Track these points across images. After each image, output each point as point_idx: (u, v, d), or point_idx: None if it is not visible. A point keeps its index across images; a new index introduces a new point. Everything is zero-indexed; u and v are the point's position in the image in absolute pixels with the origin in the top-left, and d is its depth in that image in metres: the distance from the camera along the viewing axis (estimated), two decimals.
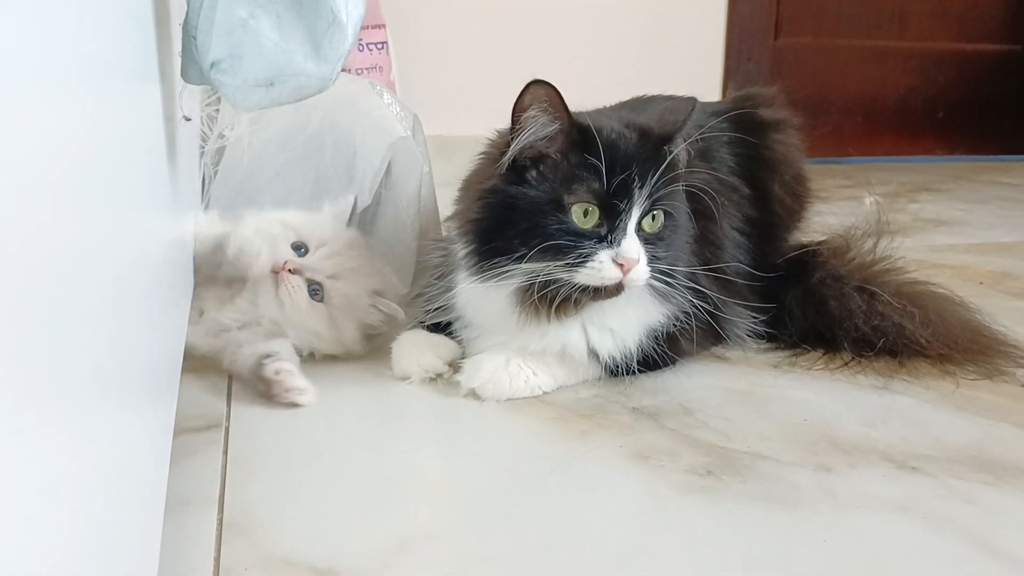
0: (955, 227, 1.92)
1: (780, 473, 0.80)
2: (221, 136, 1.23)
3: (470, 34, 2.34)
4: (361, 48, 1.77)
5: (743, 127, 1.19)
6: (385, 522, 0.71)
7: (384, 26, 1.80)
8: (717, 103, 1.23)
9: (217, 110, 1.26)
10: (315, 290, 1.00)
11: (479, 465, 0.82)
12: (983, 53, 2.94)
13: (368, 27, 1.77)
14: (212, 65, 0.74)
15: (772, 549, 0.69)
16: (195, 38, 0.76)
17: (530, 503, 0.75)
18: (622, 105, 1.21)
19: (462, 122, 1.58)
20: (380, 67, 1.79)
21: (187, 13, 0.77)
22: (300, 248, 1.03)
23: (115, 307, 0.50)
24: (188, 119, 0.89)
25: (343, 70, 1.45)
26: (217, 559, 0.66)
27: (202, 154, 1.22)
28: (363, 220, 1.19)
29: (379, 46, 1.79)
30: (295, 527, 0.70)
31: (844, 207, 2.02)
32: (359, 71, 1.74)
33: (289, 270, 0.99)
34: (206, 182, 1.22)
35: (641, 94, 1.27)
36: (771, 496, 0.76)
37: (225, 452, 0.83)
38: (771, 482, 0.78)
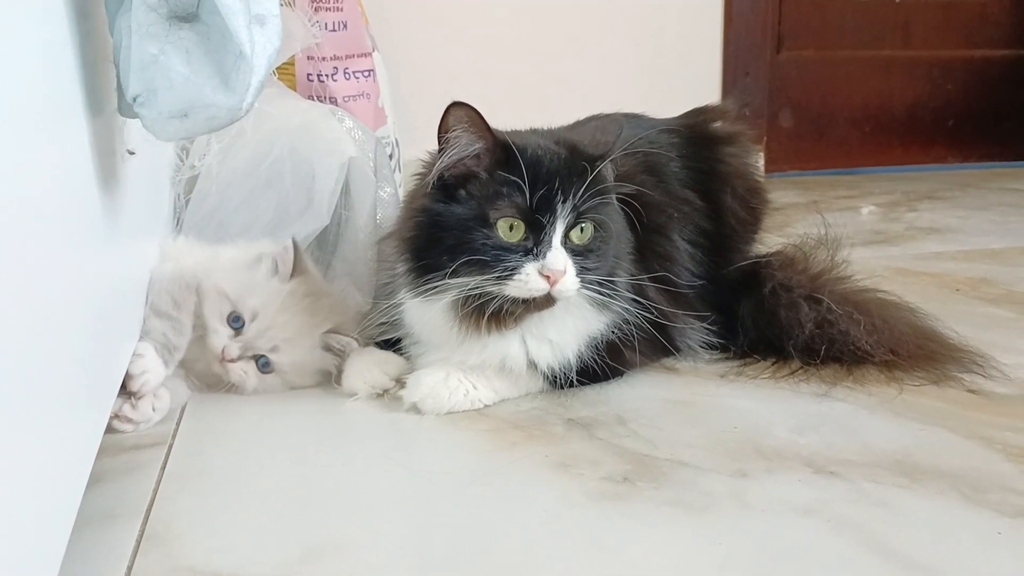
0: (947, 235, 1.90)
1: (696, 479, 0.81)
2: (192, 167, 1.27)
3: (465, 56, 2.38)
4: (347, 76, 1.81)
5: (696, 141, 1.21)
6: (297, 533, 0.74)
7: (371, 54, 1.84)
8: (670, 119, 1.25)
9: (191, 140, 1.30)
10: (264, 363, 1.02)
11: (404, 477, 0.84)
12: (992, 59, 2.91)
13: (354, 55, 1.81)
14: (134, 100, 0.78)
15: (668, 551, 0.70)
16: (119, 75, 0.80)
17: (443, 512, 0.77)
18: (576, 124, 1.23)
19: None
20: (367, 94, 1.83)
21: (113, 52, 0.81)
22: (236, 320, 1.03)
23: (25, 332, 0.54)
24: (132, 153, 0.92)
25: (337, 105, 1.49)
26: (129, 568, 0.69)
27: (174, 183, 1.27)
28: (325, 241, 1.23)
29: (365, 74, 1.83)
30: (211, 539, 0.73)
31: (839, 218, 2.04)
32: (346, 99, 1.78)
33: (230, 360, 1.01)
34: (178, 210, 1.26)
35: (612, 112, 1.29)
36: (680, 501, 0.77)
37: (163, 468, 0.86)
38: (685, 488, 0.80)
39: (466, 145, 0.92)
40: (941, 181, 2.66)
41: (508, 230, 0.92)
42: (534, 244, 0.92)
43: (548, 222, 0.92)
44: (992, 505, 0.75)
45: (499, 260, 0.91)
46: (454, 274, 0.92)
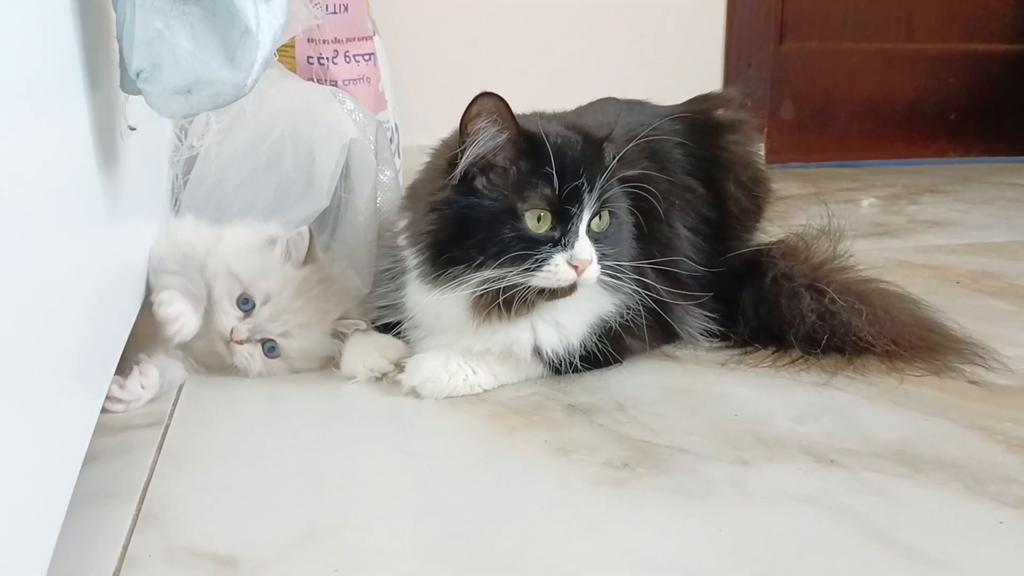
0: (949, 228, 1.90)
1: (696, 466, 0.81)
2: (191, 147, 1.27)
3: (466, 44, 2.37)
4: (348, 60, 1.80)
5: (699, 128, 1.20)
6: (294, 514, 0.73)
7: (371, 38, 1.83)
8: (673, 105, 1.24)
9: (190, 121, 1.29)
10: (271, 347, 1.01)
11: (402, 460, 0.84)
12: (995, 53, 2.90)
13: (355, 39, 1.80)
14: (137, 75, 0.77)
15: (668, 537, 0.70)
16: (122, 50, 0.79)
17: (441, 496, 0.77)
18: (578, 109, 1.22)
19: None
20: (367, 78, 1.82)
21: (116, 27, 0.80)
22: (247, 302, 1.02)
23: (22, 311, 0.53)
24: (133, 129, 0.92)
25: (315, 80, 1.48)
26: (125, 548, 0.69)
27: (173, 163, 1.26)
28: (325, 223, 1.22)
29: (366, 57, 1.81)
30: (207, 519, 0.73)
31: (840, 210, 2.03)
32: (346, 82, 1.77)
33: (238, 341, 1.00)
34: (176, 191, 1.26)
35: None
36: (681, 488, 0.77)
37: (160, 448, 0.86)
38: (685, 475, 0.79)
39: (492, 136, 0.91)
40: (943, 175, 2.66)
41: (536, 221, 0.91)
42: (561, 234, 0.92)
43: (576, 212, 0.92)
44: (993, 495, 0.75)
45: (528, 252, 0.91)
46: (480, 266, 0.91)
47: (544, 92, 2.18)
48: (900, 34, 2.83)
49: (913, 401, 0.95)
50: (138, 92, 0.82)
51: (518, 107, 0.99)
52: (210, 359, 1.02)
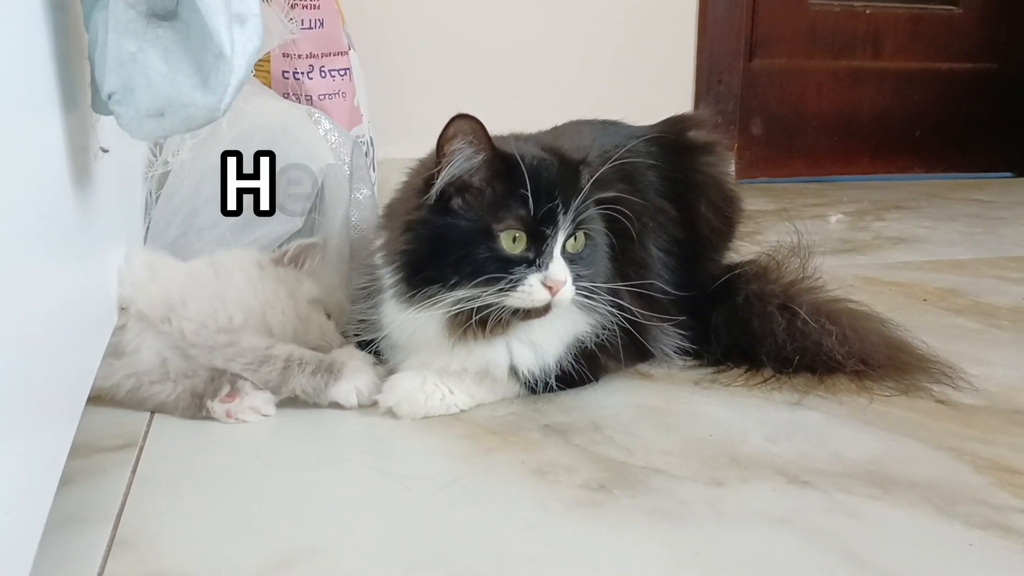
0: (915, 244, 1.93)
1: (672, 487, 0.82)
2: (166, 163, 1.26)
3: (440, 59, 2.37)
4: (323, 74, 1.80)
5: (672, 150, 1.21)
6: (272, 538, 0.73)
7: (347, 53, 1.83)
8: (647, 126, 1.25)
9: (165, 137, 1.28)
10: None
11: (379, 481, 0.84)
12: (959, 72, 2.96)
13: (330, 54, 1.80)
14: (109, 96, 0.77)
15: (644, 560, 0.70)
16: (94, 72, 0.78)
17: (419, 518, 0.77)
18: (554, 129, 1.23)
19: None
20: (343, 93, 1.82)
21: (88, 48, 0.80)
22: None
23: None
24: (105, 150, 0.91)
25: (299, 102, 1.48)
26: (100, 574, 0.68)
27: (146, 180, 1.25)
28: None
29: (341, 72, 1.81)
30: (184, 544, 0.72)
31: (807, 226, 2.06)
32: (321, 97, 1.77)
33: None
34: (148, 206, 1.25)
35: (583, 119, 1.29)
36: (657, 510, 0.78)
37: (134, 471, 0.85)
38: (661, 496, 0.80)
39: (468, 157, 0.92)
40: (908, 191, 2.70)
41: (511, 242, 0.92)
42: (536, 255, 0.92)
43: (550, 233, 0.92)
44: (962, 517, 0.76)
45: (502, 272, 0.91)
46: (455, 286, 0.92)
47: (516, 107, 2.19)
48: (867, 52, 2.87)
49: (882, 420, 0.96)
50: (110, 113, 0.82)
51: (488, 122, 0.99)
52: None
